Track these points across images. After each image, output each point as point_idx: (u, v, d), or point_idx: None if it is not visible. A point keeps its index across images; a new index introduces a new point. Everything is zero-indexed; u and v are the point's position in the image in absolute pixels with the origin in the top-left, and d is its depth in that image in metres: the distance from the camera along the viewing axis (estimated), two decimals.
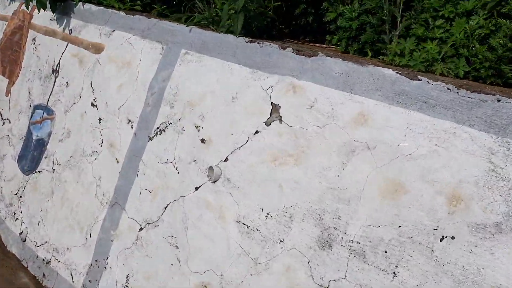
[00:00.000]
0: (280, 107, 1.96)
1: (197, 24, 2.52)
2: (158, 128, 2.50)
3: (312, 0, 2.66)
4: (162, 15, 3.07)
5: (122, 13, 2.93)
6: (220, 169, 2.12)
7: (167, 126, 2.45)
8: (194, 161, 2.27)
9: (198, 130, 2.28)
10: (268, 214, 1.90)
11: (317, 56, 1.90)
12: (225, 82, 2.23)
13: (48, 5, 3.32)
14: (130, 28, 2.84)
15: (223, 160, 2.13)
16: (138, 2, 3.22)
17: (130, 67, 2.76)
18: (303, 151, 1.84)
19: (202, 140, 2.25)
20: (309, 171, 1.80)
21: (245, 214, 1.98)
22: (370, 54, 2.23)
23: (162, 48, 2.60)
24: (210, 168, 2.15)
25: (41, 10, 3.39)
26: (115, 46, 2.89)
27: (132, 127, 2.65)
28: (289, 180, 1.87)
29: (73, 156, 3.00)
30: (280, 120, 1.94)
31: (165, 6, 3.05)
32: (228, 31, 2.35)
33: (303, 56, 1.94)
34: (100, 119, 2.87)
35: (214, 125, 2.22)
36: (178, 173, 2.33)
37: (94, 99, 2.95)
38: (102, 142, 2.82)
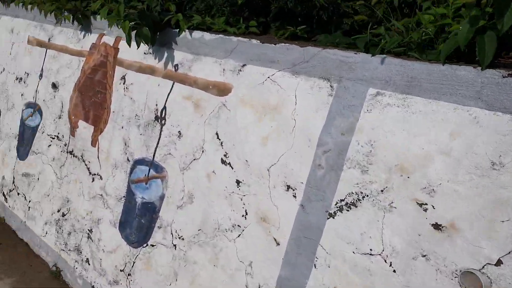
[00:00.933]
0: None
1: (384, 52, 1.80)
2: (342, 200, 1.79)
3: None
4: (295, 38, 2.37)
5: (255, 41, 2.24)
6: (488, 277, 1.38)
7: (359, 199, 1.74)
8: (424, 256, 1.54)
9: (425, 210, 1.55)
10: None
11: None
12: (467, 138, 1.49)
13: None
14: (271, 61, 2.15)
15: (493, 263, 1.39)
16: (253, 22, 2.53)
17: (278, 113, 2.07)
18: None
19: (436, 226, 1.52)
20: None
21: None
22: None
23: (331, 87, 1.89)
24: (468, 273, 1.41)
25: (130, 41, 2.76)
26: (250, 86, 2.21)
27: (294, 196, 1.95)
28: None
29: (203, 230, 2.34)
30: None
31: (303, 27, 2.33)
32: (438, 59, 1.62)
33: None
34: (238, 182, 2.19)
35: (458, 204, 1.48)
36: (394, 271, 1.61)
37: (225, 155, 2.28)
38: (246, 214, 2.14)
